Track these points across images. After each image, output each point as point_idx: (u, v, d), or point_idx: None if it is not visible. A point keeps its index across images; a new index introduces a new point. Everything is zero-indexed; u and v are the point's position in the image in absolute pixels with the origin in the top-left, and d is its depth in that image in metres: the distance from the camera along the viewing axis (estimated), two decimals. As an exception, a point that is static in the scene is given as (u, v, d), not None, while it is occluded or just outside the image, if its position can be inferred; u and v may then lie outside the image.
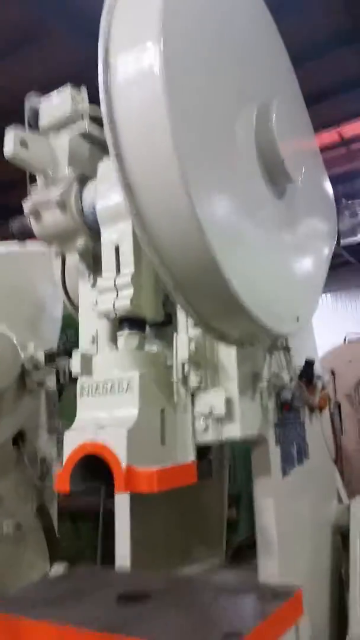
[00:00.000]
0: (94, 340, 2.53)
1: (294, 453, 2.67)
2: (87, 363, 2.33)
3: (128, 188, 1.64)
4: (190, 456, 2.19)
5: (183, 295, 1.80)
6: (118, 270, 2.11)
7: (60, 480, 2.01)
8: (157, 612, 2.01)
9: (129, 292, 2.11)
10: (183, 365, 2.22)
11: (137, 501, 2.78)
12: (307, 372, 2.53)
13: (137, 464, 1.91)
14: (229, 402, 2.23)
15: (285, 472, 2.55)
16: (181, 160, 1.54)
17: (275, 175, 2.09)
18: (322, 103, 9.61)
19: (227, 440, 2.26)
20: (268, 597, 2.08)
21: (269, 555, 2.39)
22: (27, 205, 2.41)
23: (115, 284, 2.16)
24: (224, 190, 1.76)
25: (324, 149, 9.28)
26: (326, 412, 3.12)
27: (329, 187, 2.90)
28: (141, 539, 2.81)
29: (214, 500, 3.17)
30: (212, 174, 1.71)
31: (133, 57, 1.60)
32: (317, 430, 3.06)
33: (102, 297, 2.23)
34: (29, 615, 2.02)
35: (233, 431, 2.23)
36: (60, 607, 2.11)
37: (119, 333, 2.27)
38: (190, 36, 1.70)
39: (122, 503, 2.81)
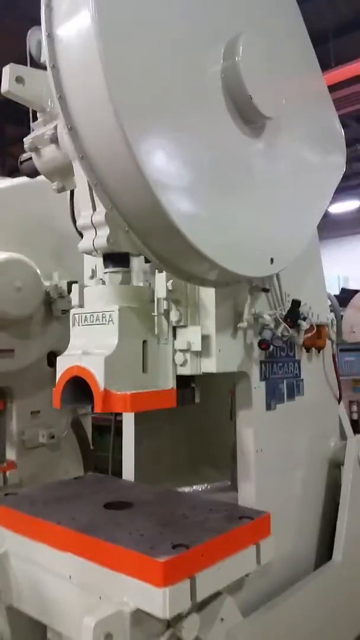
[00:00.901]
0: (93, 274, 2.70)
1: (283, 389, 2.76)
2: (82, 296, 2.52)
3: (73, 131, 1.71)
4: (170, 383, 2.35)
5: (138, 237, 1.88)
6: (94, 208, 2.17)
7: (54, 397, 2.25)
8: (129, 519, 2.26)
9: (106, 230, 2.21)
10: (162, 301, 2.33)
11: (142, 419, 3.03)
12: (292, 312, 2.55)
13: (116, 388, 2.09)
14: (206, 339, 2.34)
15: (270, 407, 2.65)
16: (115, 103, 1.58)
17: (246, 113, 2.04)
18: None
19: (204, 373, 2.38)
20: (234, 517, 2.27)
21: (247, 481, 2.56)
22: (26, 142, 2.49)
23: (92, 222, 2.26)
24: (170, 132, 1.77)
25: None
26: (329, 352, 3.14)
27: (334, 121, 2.76)
28: (145, 454, 3.09)
29: (222, 425, 3.36)
30: (155, 116, 1.72)
31: (71, 1, 1.62)
32: (318, 369, 3.11)
33: (84, 236, 2.36)
34: (24, 511, 2.36)
35: (209, 366, 2.36)
36: (53, 506, 2.44)
37: (104, 270, 2.41)
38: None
39: (127, 420, 3.07)
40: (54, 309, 3.68)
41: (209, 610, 2.08)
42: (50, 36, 1.67)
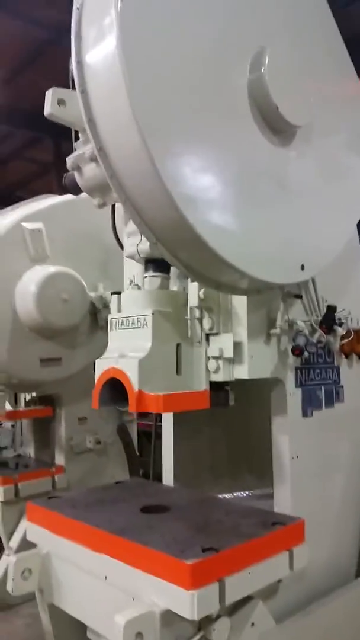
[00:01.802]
0: (132, 282, 2.79)
1: (321, 396, 2.74)
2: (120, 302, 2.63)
3: (102, 152, 1.80)
4: (203, 385, 2.40)
5: (167, 250, 1.95)
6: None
7: (93, 398, 2.36)
8: (164, 523, 2.32)
9: None
10: (195, 309, 2.39)
11: (181, 423, 3.09)
12: (327, 318, 2.54)
13: (149, 389, 2.17)
14: (238, 346, 2.38)
15: (306, 414, 2.64)
16: (140, 125, 1.66)
17: (274, 123, 2.07)
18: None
19: (237, 380, 2.41)
20: (267, 523, 2.28)
21: (282, 487, 2.56)
22: (69, 160, 2.63)
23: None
24: (196, 149, 1.83)
25: None
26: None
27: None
28: (185, 458, 3.15)
29: (265, 430, 3.36)
30: (180, 135, 1.78)
31: (97, 30, 1.71)
32: (359, 374, 3.06)
33: (128, 241, 2.47)
34: (65, 513, 2.46)
35: (242, 372, 2.39)
36: (92, 510, 2.53)
37: (144, 274, 2.50)
38: (153, 6, 1.74)
39: (166, 424, 3.13)
40: (99, 318, 3.82)
41: (240, 614, 2.10)
42: (80, 63, 1.77)
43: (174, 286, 2.58)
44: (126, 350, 2.30)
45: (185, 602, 1.83)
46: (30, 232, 3.60)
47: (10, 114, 10.63)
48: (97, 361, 2.40)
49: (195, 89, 1.84)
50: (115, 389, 2.26)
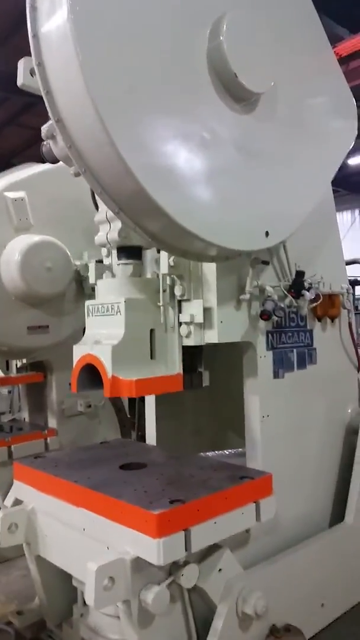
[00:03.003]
0: (109, 253, 2.86)
1: (293, 358, 2.84)
2: (99, 273, 2.74)
3: (60, 123, 1.84)
4: (176, 369, 2.50)
5: (129, 219, 2.01)
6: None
7: (72, 382, 2.46)
8: (138, 479, 2.46)
9: (118, 224, 2.37)
10: (166, 277, 2.47)
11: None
12: (296, 283, 2.61)
13: (123, 374, 2.27)
14: (208, 311, 2.47)
15: (277, 375, 2.75)
16: (93, 97, 1.69)
17: (234, 90, 2.10)
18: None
19: (207, 344, 2.51)
20: (236, 477, 2.42)
21: (253, 445, 2.69)
22: (43, 130, 2.66)
23: (107, 217, 2.44)
24: (152, 118, 1.86)
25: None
26: (345, 321, 3.17)
27: (342, 88, 2.74)
28: (168, 418, 3.28)
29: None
30: (135, 105, 1.81)
31: (50, 2, 1.74)
32: (334, 338, 3.15)
33: (99, 230, 2.54)
34: (47, 471, 2.60)
35: (212, 337, 2.48)
36: (74, 468, 2.67)
37: (116, 262, 2.57)
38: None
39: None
40: (84, 286, 3.90)
41: (208, 561, 2.25)
42: (35, 35, 1.80)
43: (147, 273, 2.65)
44: (101, 337, 2.39)
45: (152, 549, 1.98)
46: (12, 202, 3.64)
47: (2, 79, 10.48)
48: (74, 347, 2.48)
49: (151, 58, 1.87)
50: (94, 372, 2.35)
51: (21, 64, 2.46)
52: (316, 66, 2.64)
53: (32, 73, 2.52)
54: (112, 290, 2.51)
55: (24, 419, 4.67)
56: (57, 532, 2.47)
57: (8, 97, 11.43)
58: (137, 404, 3.93)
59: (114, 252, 2.64)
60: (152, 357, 2.45)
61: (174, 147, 1.93)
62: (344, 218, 22.17)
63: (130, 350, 2.34)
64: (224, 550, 2.29)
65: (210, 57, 2.04)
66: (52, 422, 4.26)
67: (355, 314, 8.80)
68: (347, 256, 3.85)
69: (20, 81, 2.47)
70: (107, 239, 2.54)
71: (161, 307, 2.46)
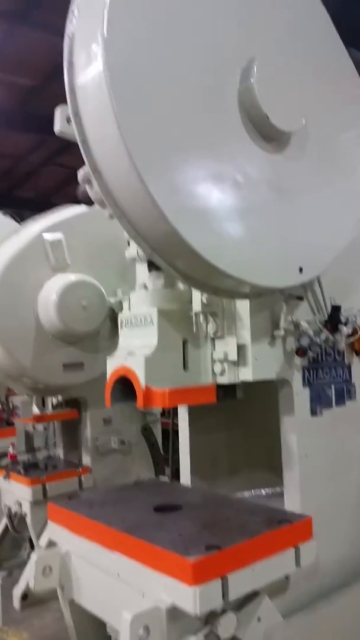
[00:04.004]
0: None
1: (331, 394, 2.76)
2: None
3: (96, 172, 1.89)
4: (210, 379, 2.49)
5: (163, 259, 2.03)
6: None
7: (106, 396, 2.46)
8: (174, 521, 2.40)
9: None
10: (199, 314, 2.46)
11: (198, 422, 3.16)
12: (332, 317, 2.56)
13: (157, 385, 2.27)
14: (242, 348, 2.44)
15: (315, 412, 2.67)
16: (128, 147, 1.74)
17: (265, 131, 2.12)
18: None
19: (242, 382, 2.47)
20: (274, 521, 2.33)
21: (292, 486, 2.60)
22: (79, 174, 2.74)
23: (137, 254, 2.48)
24: (186, 165, 1.89)
25: None
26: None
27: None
28: (202, 456, 3.22)
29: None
30: (169, 153, 1.85)
31: (86, 57, 1.80)
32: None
33: (130, 245, 2.58)
34: (82, 513, 2.57)
35: (246, 374, 2.45)
36: (108, 509, 2.63)
37: (148, 274, 2.59)
38: (140, 29, 1.82)
39: (182, 423, 3.21)
40: (118, 323, 3.92)
41: (246, 609, 2.15)
42: (72, 88, 1.87)
43: (179, 284, 2.64)
44: (134, 348, 2.41)
45: (188, 598, 1.91)
46: (50, 243, 3.74)
47: (41, 122, 10.93)
48: (107, 359, 2.51)
49: (184, 104, 1.91)
50: (127, 386, 2.36)
51: (58, 112, 2.56)
52: (344, 97, 2.64)
53: (68, 120, 2.63)
54: (144, 301, 2.53)
55: (59, 455, 4.67)
56: (91, 576, 2.42)
57: (46, 139, 11.92)
58: (170, 438, 3.89)
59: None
60: (185, 367, 2.44)
61: (206, 189, 1.96)
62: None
63: (163, 361, 2.34)
64: (262, 598, 2.19)
65: (241, 100, 2.08)
66: (86, 459, 4.25)
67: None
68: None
69: (57, 128, 2.56)
70: (137, 252, 2.56)
71: (194, 317, 2.46)
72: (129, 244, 2.92)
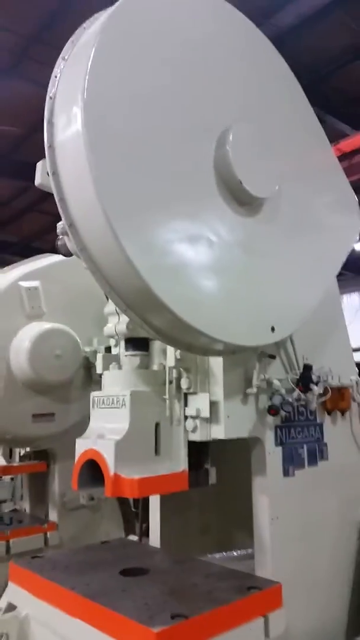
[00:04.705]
0: (117, 343, 2.87)
1: (303, 454, 2.74)
2: (107, 363, 2.70)
3: (72, 228, 1.91)
4: (182, 465, 2.41)
5: (136, 315, 2.03)
6: None
7: (72, 479, 2.38)
8: (139, 587, 2.30)
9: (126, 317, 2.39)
10: (172, 370, 2.44)
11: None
12: (304, 376, 2.57)
13: (126, 472, 2.18)
14: (214, 405, 2.41)
15: (287, 473, 2.64)
16: (104, 207, 1.77)
17: (239, 196, 2.19)
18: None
19: (214, 440, 2.43)
20: (244, 588, 2.25)
21: (262, 550, 2.53)
22: (59, 227, 2.77)
23: (116, 310, 2.48)
24: (160, 225, 1.93)
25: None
26: (355, 414, 3.09)
27: (344, 186, 2.85)
28: (172, 517, 3.13)
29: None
30: (144, 214, 1.89)
31: (66, 118, 1.85)
32: (344, 431, 3.05)
33: (109, 321, 2.57)
34: (44, 575, 2.46)
35: (218, 432, 2.41)
36: (72, 571, 2.52)
37: (124, 353, 2.58)
38: (120, 95, 1.90)
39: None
40: (93, 373, 3.88)
41: None
42: (51, 147, 1.91)
43: (154, 365, 2.63)
44: (105, 431, 2.34)
45: (152, 670, 1.81)
46: (26, 290, 3.73)
47: (26, 170, 11.13)
48: (77, 441, 2.42)
49: (160, 169, 1.97)
50: (96, 468, 2.27)
51: (39, 166, 2.60)
52: (317, 165, 2.76)
53: (48, 174, 2.68)
54: (118, 381, 2.48)
55: (25, 509, 4.50)
56: (51, 644, 2.29)
57: (30, 186, 12.08)
58: (140, 499, 3.78)
59: (122, 342, 2.64)
60: (156, 452, 2.37)
61: (180, 249, 1.99)
62: (352, 301, 22.36)
63: (134, 446, 2.27)
64: (230, 672, 2.09)
65: (216, 165, 2.15)
66: (53, 515, 4.10)
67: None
68: (355, 340, 3.81)
69: (38, 181, 2.60)
70: (115, 330, 2.56)
71: (167, 400, 2.42)
72: (107, 299, 2.95)
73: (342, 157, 8.42)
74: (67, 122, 1.86)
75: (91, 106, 1.79)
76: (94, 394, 2.52)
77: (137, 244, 1.84)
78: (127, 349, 2.56)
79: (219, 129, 2.18)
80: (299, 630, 2.53)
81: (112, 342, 2.97)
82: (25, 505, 4.50)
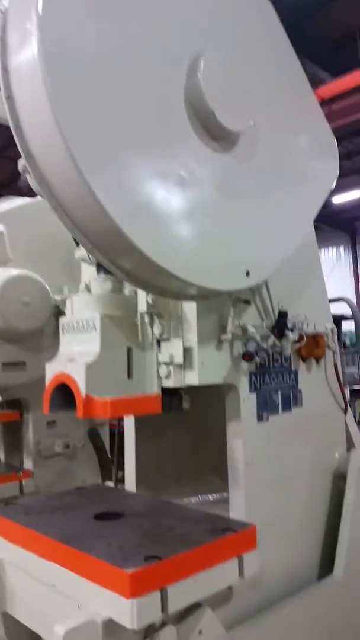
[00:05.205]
0: (87, 289, 2.77)
1: (278, 401, 2.74)
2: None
3: (30, 158, 1.78)
4: (154, 389, 2.39)
5: (103, 256, 1.93)
6: None
7: (44, 403, 2.35)
8: (114, 530, 2.31)
9: None
10: (144, 315, 2.38)
11: (144, 425, 3.07)
12: (279, 323, 2.53)
13: (97, 393, 2.16)
14: (188, 352, 2.37)
15: (261, 418, 2.64)
16: (65, 136, 1.63)
17: (212, 129, 2.06)
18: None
19: (188, 386, 2.40)
20: (218, 530, 2.27)
21: (237, 493, 2.55)
22: (20, 164, 2.60)
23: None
24: (127, 156, 1.80)
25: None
26: (330, 362, 3.09)
27: (323, 128, 2.73)
28: (149, 462, 3.14)
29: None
30: (111, 143, 1.75)
31: (19, 36, 1.69)
32: (319, 379, 3.06)
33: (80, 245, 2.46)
34: (17, 520, 2.45)
35: (192, 378, 2.38)
36: (46, 516, 2.51)
37: (95, 277, 2.48)
38: (80, 13, 1.72)
39: (128, 426, 3.11)
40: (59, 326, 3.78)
41: (187, 622, 2.09)
42: (5, 68, 1.75)
43: (126, 289, 2.55)
44: (75, 355, 2.30)
45: (125, 611, 1.82)
46: (-9, 236, 3.57)
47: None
48: (46, 365, 2.40)
49: (125, 94, 1.82)
50: (68, 393, 2.24)
51: None
52: (297, 107, 2.63)
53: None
54: (87, 305, 2.41)
55: (0, 458, 4.49)
56: (26, 587, 2.29)
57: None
58: (116, 442, 3.79)
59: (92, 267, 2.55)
60: (129, 376, 2.34)
61: (150, 185, 1.87)
62: (329, 255, 22.43)
63: (106, 369, 2.23)
64: (204, 610, 2.13)
65: (187, 95, 2.01)
66: (28, 463, 4.09)
67: (346, 353, 8.79)
68: (333, 293, 3.80)
69: None
70: (88, 254, 2.45)
71: (139, 325, 2.37)
72: (77, 244, 2.84)
73: (322, 104, 8.20)
74: (21, 40, 1.68)
75: (47, 23, 1.62)
76: (63, 320, 2.46)
77: (101, 176, 1.71)
78: (98, 272, 2.46)
79: (190, 56, 2.03)
80: (274, 571, 2.59)
81: (82, 287, 2.87)
82: (0, 455, 4.49)
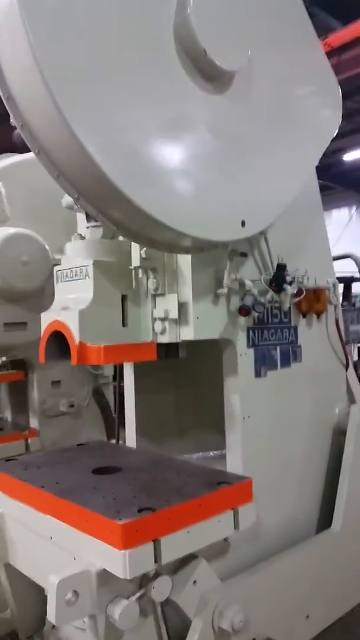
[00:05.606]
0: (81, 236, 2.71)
1: (276, 356, 2.69)
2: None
3: (11, 101, 1.70)
4: (150, 337, 2.38)
5: (89, 204, 1.86)
6: None
7: (40, 353, 2.34)
8: (109, 484, 2.32)
9: None
10: (138, 270, 2.33)
11: (146, 384, 3.06)
12: (277, 277, 2.47)
13: (91, 340, 2.16)
14: (183, 306, 2.32)
15: (259, 374, 2.60)
16: (45, 75, 1.55)
17: (204, 68, 1.95)
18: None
19: (183, 341, 2.37)
20: (214, 483, 2.27)
21: (234, 447, 2.54)
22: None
23: None
24: (111, 96, 1.72)
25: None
26: (331, 317, 3.03)
27: (327, 74, 2.59)
28: (150, 420, 3.13)
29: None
30: (94, 82, 1.67)
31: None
32: (320, 334, 3.00)
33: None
34: (16, 475, 2.47)
35: (188, 334, 2.33)
36: (44, 471, 2.53)
37: (86, 225, 2.43)
38: None
39: (128, 385, 3.11)
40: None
41: (182, 573, 2.12)
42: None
43: (119, 236, 2.48)
44: (69, 303, 2.28)
45: (118, 562, 1.84)
46: (-12, 194, 3.50)
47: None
48: (42, 315, 2.38)
49: (110, 31, 1.72)
50: (64, 342, 2.23)
51: None
52: (299, 53, 2.49)
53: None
54: (80, 252, 2.37)
55: (7, 418, 4.54)
56: (25, 539, 2.33)
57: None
58: (116, 400, 3.80)
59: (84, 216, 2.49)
60: (123, 324, 2.33)
61: (137, 128, 1.78)
62: (341, 215, 21.91)
63: (99, 316, 2.23)
64: (199, 561, 2.16)
65: (177, 33, 1.89)
66: (34, 422, 4.13)
67: (352, 310, 8.68)
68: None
69: None
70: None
71: (133, 272, 2.34)
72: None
73: (331, 53, 7.84)
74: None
75: None
76: (57, 268, 2.44)
77: (84, 117, 1.63)
78: (88, 219, 2.41)
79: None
80: (272, 524, 2.61)
81: (75, 236, 2.81)
82: (7, 414, 4.54)
